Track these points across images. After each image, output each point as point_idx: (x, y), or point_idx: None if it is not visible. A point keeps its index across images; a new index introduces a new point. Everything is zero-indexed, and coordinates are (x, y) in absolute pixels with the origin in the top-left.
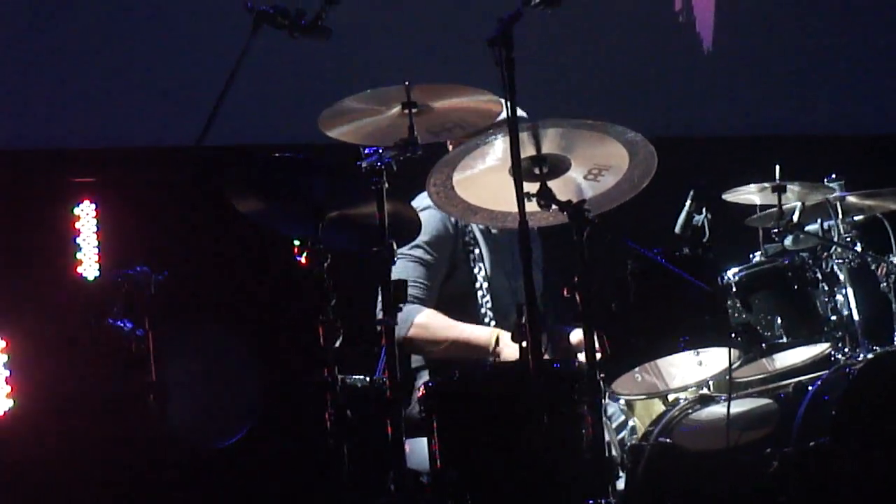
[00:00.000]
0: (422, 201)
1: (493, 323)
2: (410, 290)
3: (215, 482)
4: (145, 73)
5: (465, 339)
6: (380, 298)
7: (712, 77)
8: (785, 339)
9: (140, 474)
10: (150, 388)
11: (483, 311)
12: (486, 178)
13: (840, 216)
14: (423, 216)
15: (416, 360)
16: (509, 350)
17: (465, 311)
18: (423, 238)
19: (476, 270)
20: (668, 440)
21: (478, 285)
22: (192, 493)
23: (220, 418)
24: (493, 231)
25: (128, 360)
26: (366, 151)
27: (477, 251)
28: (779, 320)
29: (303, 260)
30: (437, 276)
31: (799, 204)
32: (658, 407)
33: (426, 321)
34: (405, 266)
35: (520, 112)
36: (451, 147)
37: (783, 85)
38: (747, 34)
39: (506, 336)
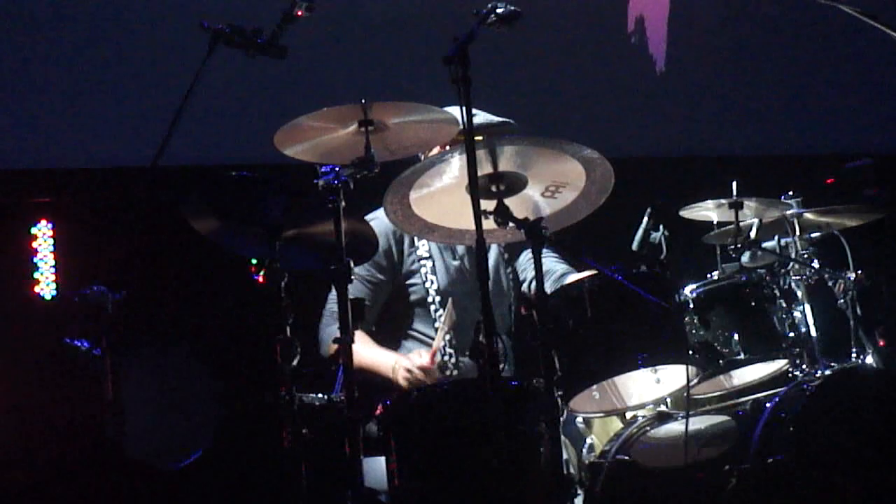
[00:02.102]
0: (374, 216)
1: (448, 336)
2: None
3: (172, 502)
4: (101, 95)
5: (369, 364)
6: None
7: (668, 97)
8: (742, 356)
9: (97, 492)
10: (105, 408)
11: (437, 324)
12: (444, 197)
13: (797, 233)
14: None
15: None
16: (402, 380)
17: (421, 319)
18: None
19: (427, 284)
20: (626, 458)
21: (430, 299)
22: None
23: (176, 439)
24: (459, 248)
25: (84, 379)
26: (322, 170)
27: (430, 264)
28: (736, 337)
29: (260, 279)
30: (377, 292)
31: (756, 220)
32: (616, 424)
33: (327, 346)
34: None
35: (488, 117)
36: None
37: (738, 106)
38: (701, 55)
39: (404, 361)
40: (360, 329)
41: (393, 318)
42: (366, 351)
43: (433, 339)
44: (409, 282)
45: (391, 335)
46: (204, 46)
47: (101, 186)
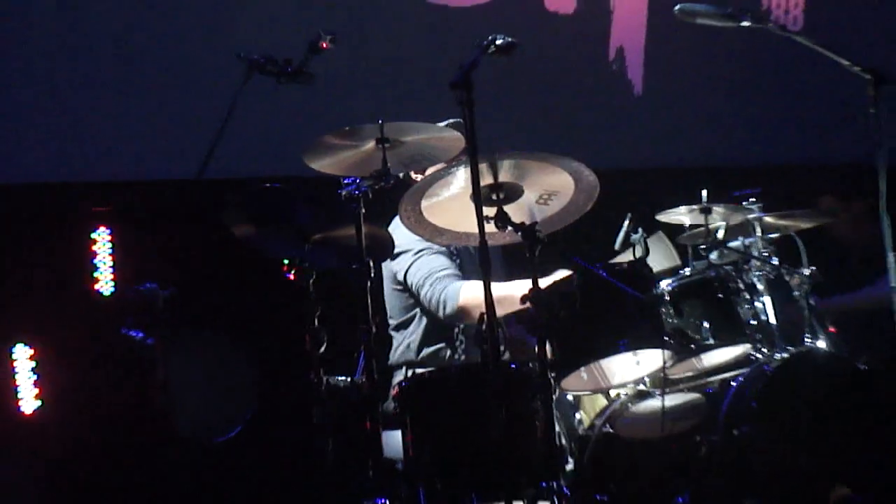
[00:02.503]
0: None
1: (462, 326)
2: (445, 272)
3: (215, 471)
4: (152, 116)
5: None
6: None
7: (645, 117)
8: (711, 341)
9: (149, 463)
10: (157, 390)
11: None
12: (451, 204)
13: (759, 234)
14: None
15: (393, 360)
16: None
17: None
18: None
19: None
20: (610, 430)
21: None
22: (195, 480)
23: (219, 416)
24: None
25: (139, 364)
26: (345, 181)
27: (458, 261)
28: (706, 325)
29: (291, 277)
30: (453, 260)
31: (723, 223)
32: (601, 401)
33: (470, 294)
34: (428, 260)
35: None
36: (416, 178)
37: (707, 123)
38: (674, 81)
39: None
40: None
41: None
42: (503, 288)
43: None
44: None
45: (407, 322)
46: (241, 73)
47: (152, 196)
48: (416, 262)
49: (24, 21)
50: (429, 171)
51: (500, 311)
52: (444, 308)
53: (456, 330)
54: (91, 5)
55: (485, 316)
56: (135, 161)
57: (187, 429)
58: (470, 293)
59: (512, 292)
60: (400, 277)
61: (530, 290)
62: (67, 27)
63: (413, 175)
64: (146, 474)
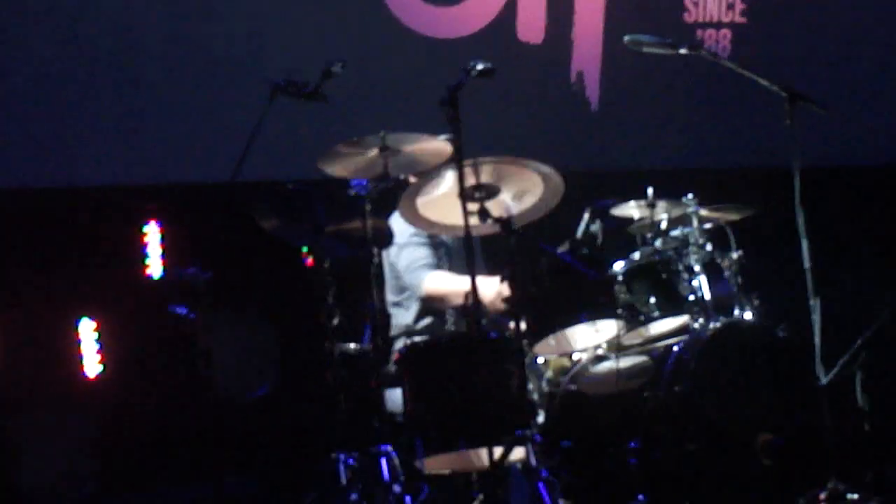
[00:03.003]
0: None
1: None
2: (422, 263)
3: (248, 424)
4: (195, 129)
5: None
6: None
7: (602, 128)
8: (657, 314)
9: (193, 418)
10: (199, 356)
11: None
12: (441, 201)
13: (695, 224)
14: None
15: (394, 330)
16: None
17: None
18: (418, 232)
19: (445, 266)
20: (573, 387)
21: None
22: (231, 432)
23: (250, 378)
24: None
25: (183, 336)
26: (353, 183)
27: (443, 249)
28: (652, 300)
29: (309, 262)
30: (434, 250)
31: (666, 216)
32: (566, 363)
33: (433, 282)
34: (410, 251)
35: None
36: (412, 180)
37: (653, 132)
38: (626, 96)
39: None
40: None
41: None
42: (454, 282)
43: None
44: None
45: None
46: (267, 93)
47: (194, 196)
48: (402, 252)
49: (90, 44)
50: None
51: (455, 300)
52: (417, 293)
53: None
54: (143, 38)
55: (467, 294)
56: (180, 166)
57: (224, 389)
58: (431, 283)
59: (458, 288)
60: (391, 263)
61: (508, 272)
62: (123, 54)
63: (410, 177)
64: (190, 428)
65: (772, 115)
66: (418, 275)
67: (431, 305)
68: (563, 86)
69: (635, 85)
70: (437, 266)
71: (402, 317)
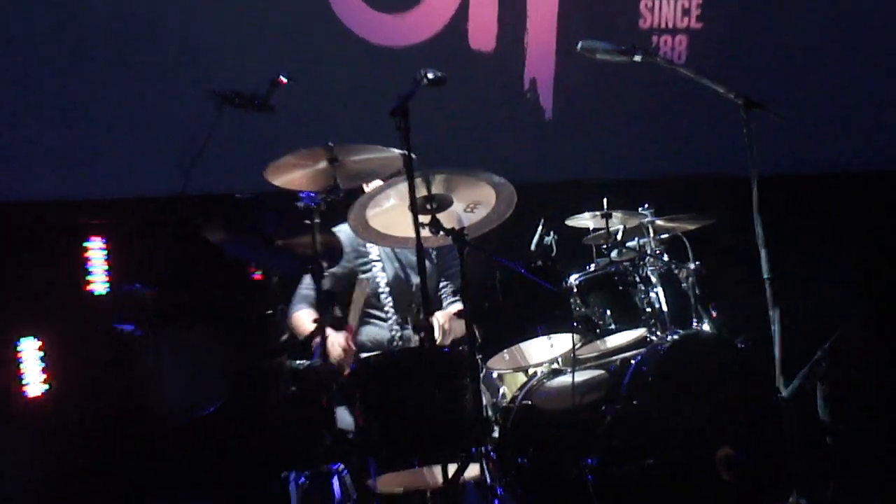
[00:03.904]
0: (340, 227)
1: (395, 317)
2: (302, 292)
3: (195, 443)
4: (136, 142)
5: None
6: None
7: (555, 137)
8: (613, 326)
9: (138, 436)
10: (146, 374)
11: (386, 308)
12: (392, 213)
13: (651, 235)
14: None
15: None
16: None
17: (376, 307)
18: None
19: (378, 279)
20: (529, 402)
21: (380, 290)
22: (177, 451)
23: (198, 395)
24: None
25: (129, 353)
26: (301, 195)
27: (379, 265)
28: (608, 312)
29: (258, 277)
30: (334, 281)
31: (621, 226)
32: (521, 378)
33: (296, 318)
34: (304, 284)
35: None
36: (366, 188)
37: (606, 141)
38: (579, 104)
39: (337, 340)
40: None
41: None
42: (297, 320)
43: (383, 319)
44: (365, 276)
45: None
46: (214, 105)
47: (138, 210)
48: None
49: (30, 56)
50: (372, 185)
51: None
52: (285, 318)
53: (389, 314)
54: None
55: (419, 307)
56: (125, 180)
57: (172, 407)
58: (297, 320)
59: (303, 324)
60: None
61: (459, 285)
62: (65, 63)
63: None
64: (137, 447)
65: (729, 123)
66: (294, 304)
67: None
68: (516, 94)
69: (590, 93)
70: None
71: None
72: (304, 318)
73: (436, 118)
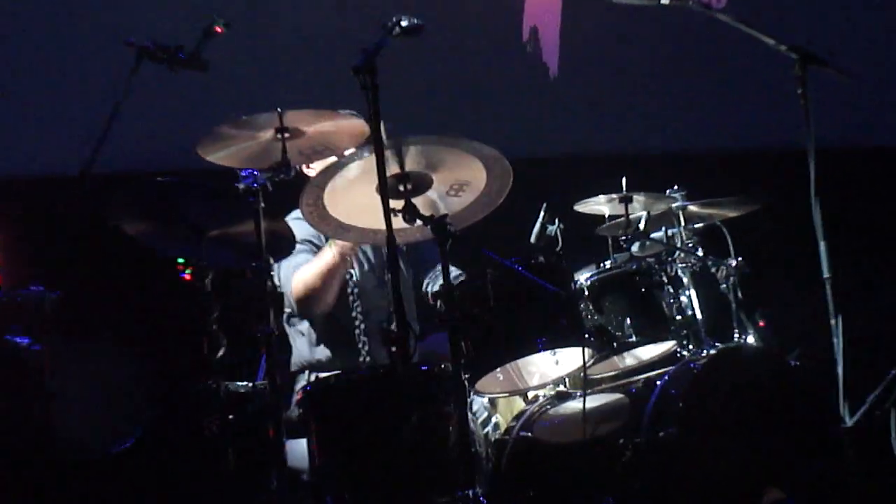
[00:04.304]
0: (295, 215)
1: (363, 325)
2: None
3: (106, 488)
4: (34, 107)
5: (321, 267)
6: None
7: (561, 100)
8: (634, 338)
9: (37, 477)
10: (45, 398)
11: (354, 313)
12: (355, 197)
13: (682, 224)
14: (296, 224)
15: (294, 364)
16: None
17: (339, 311)
18: (303, 238)
19: (346, 277)
20: (528, 434)
21: (348, 290)
22: (82, 499)
23: (111, 427)
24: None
25: (25, 372)
26: (242, 174)
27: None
28: (628, 321)
29: (187, 277)
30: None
31: (645, 213)
32: (519, 404)
33: (296, 280)
34: (292, 258)
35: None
36: (310, 171)
37: (626, 106)
38: (590, 61)
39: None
40: None
41: None
42: (311, 265)
43: (353, 324)
44: None
45: (318, 321)
46: (130, 60)
47: (37, 194)
48: (282, 262)
49: None
50: (331, 162)
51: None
52: (292, 304)
53: (357, 322)
54: None
55: (391, 314)
56: (16, 156)
57: (78, 441)
58: (296, 281)
59: (324, 260)
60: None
61: (441, 286)
62: None
63: (307, 169)
64: (33, 488)
65: (779, 84)
66: (289, 282)
67: (314, 315)
68: (512, 46)
69: (606, 45)
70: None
71: (299, 341)
72: (309, 265)
73: (412, 77)
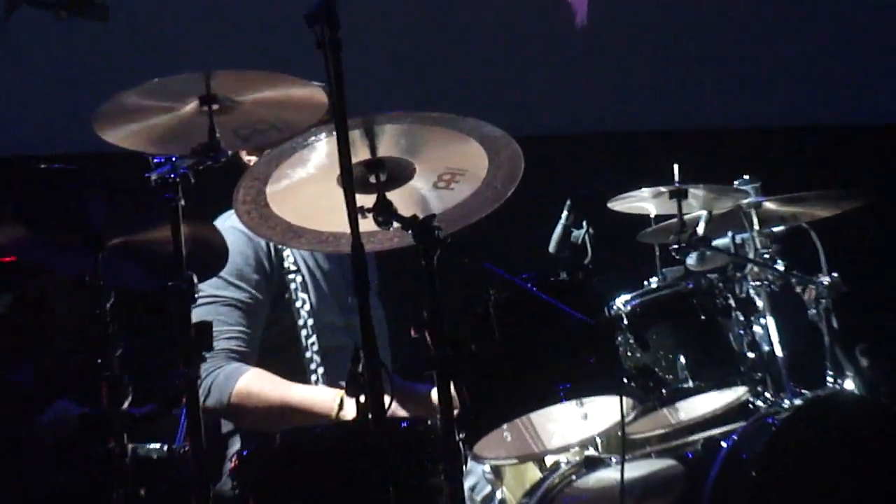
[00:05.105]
0: (224, 220)
1: (321, 370)
2: (227, 344)
3: None
4: None
5: (301, 405)
6: None
7: (591, 60)
8: (691, 384)
9: None
10: None
11: (309, 354)
12: (310, 191)
13: (756, 227)
14: (226, 239)
15: (226, 424)
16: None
17: (285, 355)
18: (230, 270)
19: (299, 304)
20: None
21: (301, 322)
22: None
23: None
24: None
25: None
26: (155, 161)
27: (299, 279)
28: (682, 360)
29: (79, 301)
30: (258, 319)
31: (704, 213)
32: (533, 473)
33: (250, 385)
34: (216, 311)
35: None
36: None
37: (679, 70)
38: (631, 9)
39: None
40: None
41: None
42: (290, 390)
43: (306, 366)
44: (278, 301)
45: (257, 361)
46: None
47: None
48: (203, 307)
49: None
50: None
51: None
52: (207, 398)
53: (313, 366)
54: None
55: (359, 352)
56: None
57: None
58: (245, 393)
59: (315, 403)
60: None
61: (427, 312)
62: None
63: (246, 156)
64: None
65: (882, 41)
66: (219, 367)
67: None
68: None
69: None
70: (252, 351)
71: None
72: (257, 388)
73: (386, 28)
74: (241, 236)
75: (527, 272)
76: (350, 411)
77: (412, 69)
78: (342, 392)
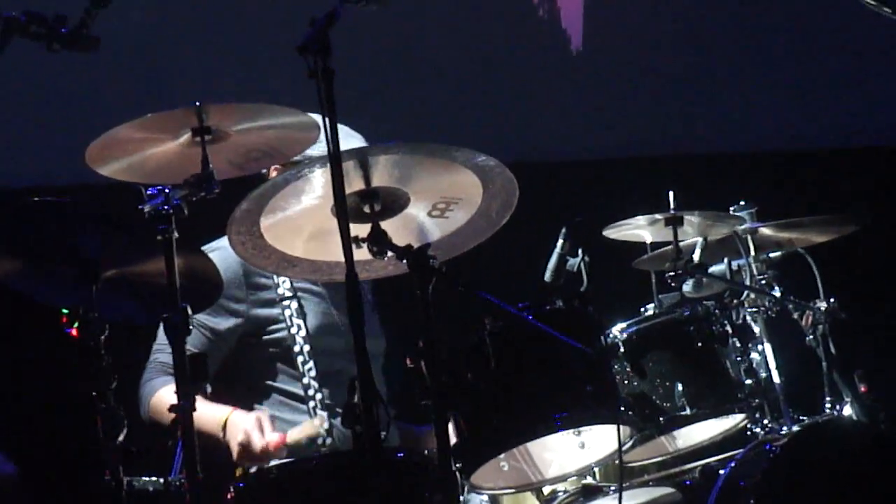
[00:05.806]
0: (213, 243)
1: (319, 395)
2: (165, 358)
3: None
4: None
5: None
6: None
7: (585, 85)
8: (688, 411)
9: None
10: None
11: (306, 380)
12: (304, 222)
13: (752, 253)
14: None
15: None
16: (237, 435)
17: (286, 375)
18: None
19: (294, 329)
20: None
21: (297, 349)
22: None
23: None
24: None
25: None
26: (149, 192)
27: (294, 305)
28: (680, 387)
29: (73, 332)
30: (219, 342)
31: (700, 240)
32: (531, 503)
33: (160, 399)
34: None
35: (350, 134)
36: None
37: (674, 94)
38: (626, 31)
39: (239, 417)
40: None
41: (248, 374)
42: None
43: (303, 393)
44: (269, 328)
45: (246, 395)
46: None
47: None
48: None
49: None
50: (272, 175)
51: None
52: (139, 408)
53: (311, 392)
54: None
55: (355, 383)
56: None
57: None
58: (155, 409)
59: (201, 423)
60: None
61: (422, 341)
62: None
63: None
64: None
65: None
66: (151, 380)
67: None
68: (517, 18)
69: (645, 12)
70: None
71: None
72: (168, 400)
73: (379, 58)
74: (227, 261)
75: (522, 301)
76: (232, 433)
77: (405, 96)
78: (229, 413)
